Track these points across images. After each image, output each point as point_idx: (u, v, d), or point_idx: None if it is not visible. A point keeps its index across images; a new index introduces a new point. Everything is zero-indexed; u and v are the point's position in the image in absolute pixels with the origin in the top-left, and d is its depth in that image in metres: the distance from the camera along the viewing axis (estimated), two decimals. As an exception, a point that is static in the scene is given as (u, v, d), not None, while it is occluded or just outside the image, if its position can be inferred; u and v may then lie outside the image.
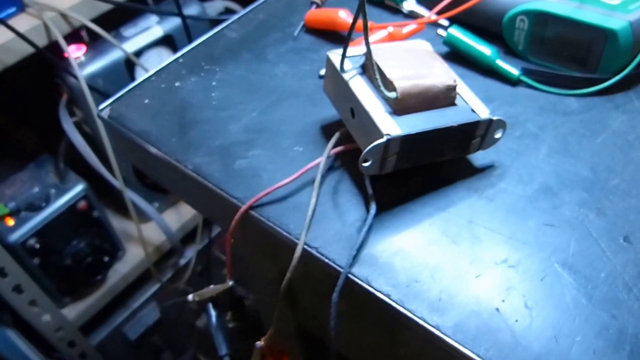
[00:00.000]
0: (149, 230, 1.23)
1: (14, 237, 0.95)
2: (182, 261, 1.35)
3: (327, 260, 0.44)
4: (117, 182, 1.07)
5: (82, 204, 1.04)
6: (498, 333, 0.40)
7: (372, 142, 0.43)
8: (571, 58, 0.59)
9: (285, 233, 0.46)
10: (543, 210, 0.47)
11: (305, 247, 0.44)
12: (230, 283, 0.51)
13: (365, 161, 0.44)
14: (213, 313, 0.51)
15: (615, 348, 0.39)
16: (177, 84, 0.60)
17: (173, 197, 1.32)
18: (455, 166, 0.51)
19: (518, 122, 0.55)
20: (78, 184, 1.04)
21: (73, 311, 1.10)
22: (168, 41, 1.10)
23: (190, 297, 0.51)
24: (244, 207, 0.46)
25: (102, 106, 0.57)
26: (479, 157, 0.52)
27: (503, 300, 0.41)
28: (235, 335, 0.59)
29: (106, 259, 1.11)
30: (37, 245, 0.98)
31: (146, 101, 0.58)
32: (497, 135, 0.49)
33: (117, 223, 1.23)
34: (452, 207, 0.48)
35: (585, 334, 0.40)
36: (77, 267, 1.06)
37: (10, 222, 0.96)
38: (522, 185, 0.49)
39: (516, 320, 0.40)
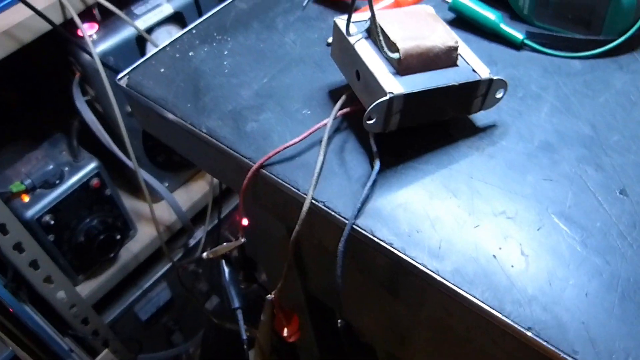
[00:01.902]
0: (159, 209, 1.28)
1: (30, 213, 1.00)
2: (192, 242, 1.40)
3: (333, 213, 0.48)
4: (130, 162, 1.12)
5: (94, 182, 1.09)
6: (494, 277, 0.44)
7: (376, 101, 0.47)
8: (575, 20, 0.62)
9: (294, 189, 0.50)
10: (542, 166, 0.51)
11: (313, 201, 0.49)
12: (243, 240, 0.55)
13: (370, 119, 0.48)
14: (226, 269, 0.56)
15: (607, 290, 0.43)
16: (190, 53, 0.65)
17: (183, 177, 1.36)
18: (458, 125, 0.55)
19: (521, 84, 0.59)
20: (91, 162, 1.09)
21: (86, 288, 1.16)
22: (178, 18, 1.14)
23: (204, 254, 0.56)
24: (255, 165, 0.51)
25: (120, 75, 0.63)
26: (481, 117, 0.56)
27: (500, 248, 0.46)
28: (249, 300, 0.64)
29: (118, 236, 1.16)
30: (52, 222, 1.03)
31: (162, 70, 0.63)
32: (499, 95, 0.54)
33: (128, 202, 1.27)
34: (454, 164, 0.52)
35: (578, 278, 0.44)
36: (90, 244, 1.11)
37: (26, 198, 1.02)
38: (522, 142, 0.54)
39: (512, 266, 0.45)
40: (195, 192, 1.35)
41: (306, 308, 0.70)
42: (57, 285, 1.07)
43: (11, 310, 0.82)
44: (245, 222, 0.57)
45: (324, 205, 0.49)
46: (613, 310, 0.42)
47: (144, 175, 1.16)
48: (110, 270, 1.19)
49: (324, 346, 0.81)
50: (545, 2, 0.63)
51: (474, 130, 0.55)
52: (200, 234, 1.39)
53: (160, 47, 0.65)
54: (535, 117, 0.56)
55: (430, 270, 0.44)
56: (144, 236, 1.25)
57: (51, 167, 1.06)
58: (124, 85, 0.62)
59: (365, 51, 0.51)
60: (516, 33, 0.63)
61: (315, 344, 0.79)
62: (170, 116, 0.58)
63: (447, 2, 0.66)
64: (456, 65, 0.52)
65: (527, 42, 0.63)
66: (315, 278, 0.65)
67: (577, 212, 0.48)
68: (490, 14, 0.63)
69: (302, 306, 0.70)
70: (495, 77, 0.52)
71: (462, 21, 0.66)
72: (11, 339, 0.81)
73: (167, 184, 1.29)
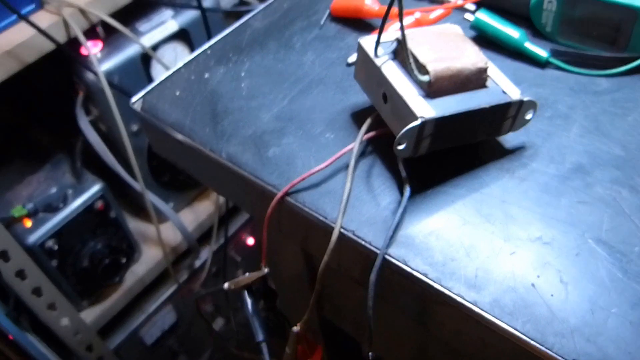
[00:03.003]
0: (164, 231, 1.27)
1: (33, 238, 0.99)
2: (198, 262, 1.40)
3: (363, 243, 0.48)
4: (137, 183, 1.11)
5: (99, 204, 1.08)
6: (534, 307, 0.43)
7: (406, 126, 0.46)
8: (600, 38, 0.62)
9: (321, 217, 0.50)
10: (576, 189, 0.51)
11: (342, 230, 0.48)
12: (266, 270, 0.55)
13: (400, 144, 0.47)
14: (249, 300, 0.55)
15: (651, 319, 0.42)
16: (206, 75, 0.64)
17: (188, 197, 1.36)
18: (486, 148, 0.55)
19: (548, 103, 0.59)
20: (95, 183, 1.08)
21: (91, 314, 1.15)
22: (183, 35, 1.14)
23: (225, 285, 0.55)
24: (280, 193, 0.50)
25: (134, 99, 0.62)
26: (510, 139, 0.55)
27: (538, 276, 0.45)
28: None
29: (123, 260, 1.15)
30: (56, 247, 1.02)
31: (177, 93, 0.62)
32: (528, 116, 0.53)
33: (132, 224, 1.27)
34: (485, 188, 0.51)
35: (621, 306, 0.43)
36: (95, 268, 1.10)
37: (28, 223, 1.01)
38: (554, 164, 0.53)
39: (552, 295, 0.44)
40: (200, 212, 1.35)
41: (322, 339, 0.69)
42: (61, 312, 1.05)
43: (11, 337, 0.81)
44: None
45: (354, 235, 0.48)
46: (659, 341, 0.41)
47: (150, 196, 1.15)
48: (115, 294, 1.18)
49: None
50: (569, 20, 0.63)
51: (503, 152, 0.54)
52: (205, 254, 1.38)
53: (175, 68, 0.65)
54: (565, 137, 0.55)
55: (468, 302, 0.44)
56: (149, 258, 1.24)
57: (54, 190, 1.05)
58: (138, 109, 0.61)
59: (393, 73, 0.50)
60: (540, 51, 0.62)
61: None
62: (189, 141, 0.57)
63: (469, 20, 0.65)
64: (486, 86, 0.51)
65: (551, 60, 0.62)
66: (335, 308, 0.64)
67: (615, 237, 0.47)
68: (513, 32, 0.63)
69: (317, 338, 0.69)
70: (525, 99, 0.51)
71: (484, 39, 0.65)
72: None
73: (172, 204, 1.28)
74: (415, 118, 0.46)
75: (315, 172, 0.51)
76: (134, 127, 1.12)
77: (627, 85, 0.60)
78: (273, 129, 0.57)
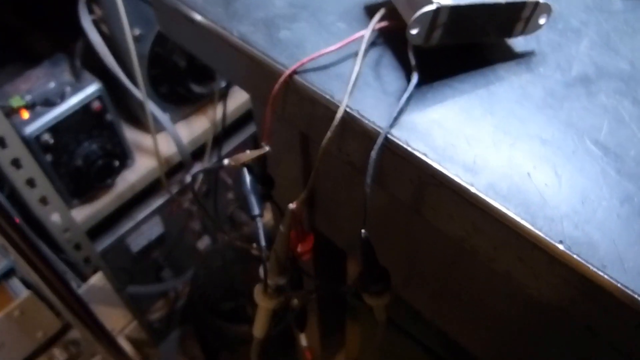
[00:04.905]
0: (158, 142, 1.29)
1: (29, 130, 1.02)
2: (189, 178, 1.42)
3: (367, 122, 0.50)
4: (136, 89, 1.12)
5: (96, 105, 1.10)
6: (528, 193, 0.46)
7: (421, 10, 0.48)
8: (620, -43, 0.63)
9: (327, 96, 0.52)
10: (579, 95, 0.53)
11: (347, 109, 0.50)
12: (267, 148, 0.57)
13: (413, 29, 0.49)
14: (247, 177, 0.57)
15: (639, 214, 0.45)
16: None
17: (185, 111, 1.37)
18: (496, 51, 0.57)
19: (561, 17, 0.60)
20: (93, 83, 1.10)
21: (81, 214, 1.18)
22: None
23: (226, 161, 0.57)
24: (289, 70, 0.52)
25: (147, -25, 0.63)
26: (520, 45, 0.57)
27: (535, 167, 0.47)
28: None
29: (116, 163, 1.17)
30: (51, 141, 1.05)
31: (189, -27, 0.63)
32: (542, 20, 0.55)
33: (127, 133, 1.28)
34: (491, 86, 0.53)
35: (611, 200, 0.46)
36: (88, 169, 1.12)
37: (25, 115, 1.03)
38: (560, 72, 0.55)
39: (546, 184, 0.46)
40: (196, 128, 1.36)
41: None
42: (52, 207, 1.08)
43: (17, 220, 0.83)
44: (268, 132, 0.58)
45: (358, 114, 0.50)
46: (643, 234, 0.44)
47: (149, 104, 1.17)
48: (106, 197, 1.21)
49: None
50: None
51: (512, 56, 0.56)
52: (197, 169, 1.40)
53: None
54: (575, 49, 0.57)
55: (465, 183, 0.46)
56: (141, 167, 1.26)
57: (53, 85, 1.06)
58: (151, -15, 0.63)
59: (410, -39, 0.52)
60: (559, -35, 0.63)
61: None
62: (200, 19, 0.59)
63: None
64: (502, -16, 0.53)
65: (569, -25, 0.63)
66: (327, 218, 0.66)
67: (613, 140, 0.50)
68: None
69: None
70: (541, 1, 0.53)
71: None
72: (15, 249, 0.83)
73: (168, 116, 1.30)
74: (431, 3, 0.48)
75: (324, 53, 0.52)
76: (137, 32, 1.13)
77: (642, 7, 0.62)
78: (285, 14, 0.59)
